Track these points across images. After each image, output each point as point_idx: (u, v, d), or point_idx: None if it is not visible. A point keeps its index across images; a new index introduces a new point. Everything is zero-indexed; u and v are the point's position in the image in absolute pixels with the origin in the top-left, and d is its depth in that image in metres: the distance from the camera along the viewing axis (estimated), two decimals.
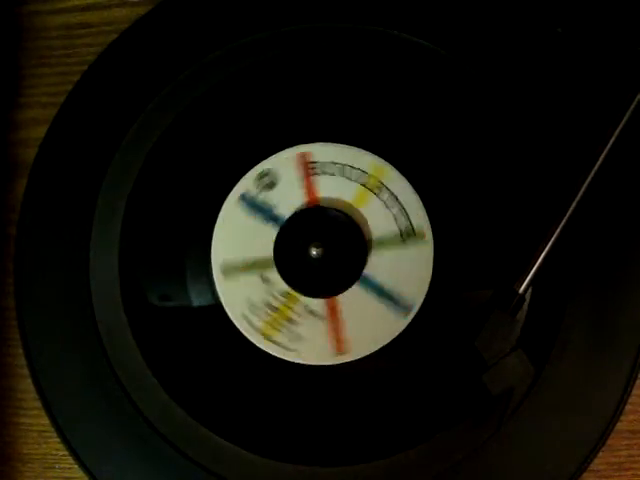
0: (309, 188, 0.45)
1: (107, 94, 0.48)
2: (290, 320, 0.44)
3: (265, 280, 0.45)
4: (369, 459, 0.43)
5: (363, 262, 0.44)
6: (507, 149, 0.46)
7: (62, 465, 0.48)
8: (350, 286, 0.44)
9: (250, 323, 0.45)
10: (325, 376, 0.45)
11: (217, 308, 0.45)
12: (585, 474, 0.44)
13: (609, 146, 0.43)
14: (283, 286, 0.44)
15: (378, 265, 0.44)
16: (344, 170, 0.45)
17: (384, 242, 0.45)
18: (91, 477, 0.45)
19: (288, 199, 0.45)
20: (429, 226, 0.45)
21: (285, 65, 0.47)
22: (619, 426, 0.44)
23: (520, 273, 0.43)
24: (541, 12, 0.47)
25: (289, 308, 0.45)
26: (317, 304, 0.44)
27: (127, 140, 0.47)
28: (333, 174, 0.45)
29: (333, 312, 0.44)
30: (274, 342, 0.44)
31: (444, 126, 0.47)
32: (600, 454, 0.44)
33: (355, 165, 0.45)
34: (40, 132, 0.48)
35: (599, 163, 0.43)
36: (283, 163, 0.45)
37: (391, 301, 0.44)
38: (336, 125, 0.47)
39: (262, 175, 0.45)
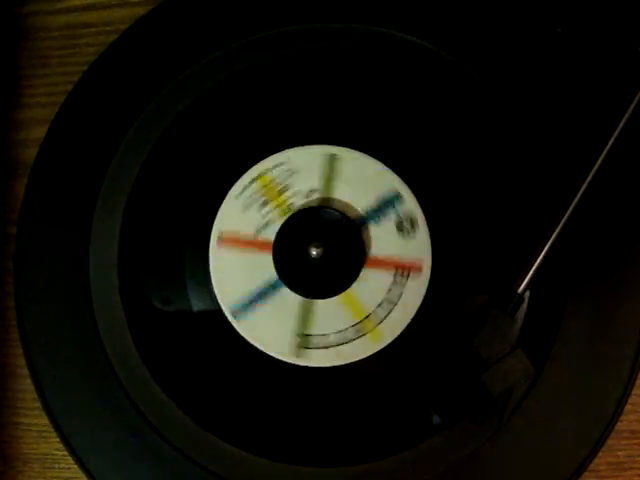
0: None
1: (107, 94, 0.48)
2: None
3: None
4: (368, 459, 0.43)
5: (362, 258, 0.44)
6: (506, 150, 0.46)
7: (62, 465, 0.48)
8: (350, 285, 0.44)
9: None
10: (324, 377, 0.45)
11: (216, 311, 0.45)
12: (585, 474, 0.44)
13: (608, 146, 0.43)
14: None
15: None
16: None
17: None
18: (91, 477, 0.45)
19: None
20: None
21: (285, 65, 0.47)
22: (619, 426, 0.44)
23: (519, 273, 0.43)
24: (541, 12, 0.47)
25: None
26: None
27: (127, 140, 0.47)
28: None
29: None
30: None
31: (443, 127, 0.47)
32: (600, 454, 0.44)
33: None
34: (40, 132, 0.48)
35: (598, 163, 0.43)
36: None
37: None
38: (336, 126, 0.47)
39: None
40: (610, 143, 0.43)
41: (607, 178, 0.44)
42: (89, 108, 0.48)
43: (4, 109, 0.50)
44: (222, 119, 0.47)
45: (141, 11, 0.49)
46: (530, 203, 0.45)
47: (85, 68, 0.48)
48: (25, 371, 0.46)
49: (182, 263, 0.46)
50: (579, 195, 0.43)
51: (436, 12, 0.47)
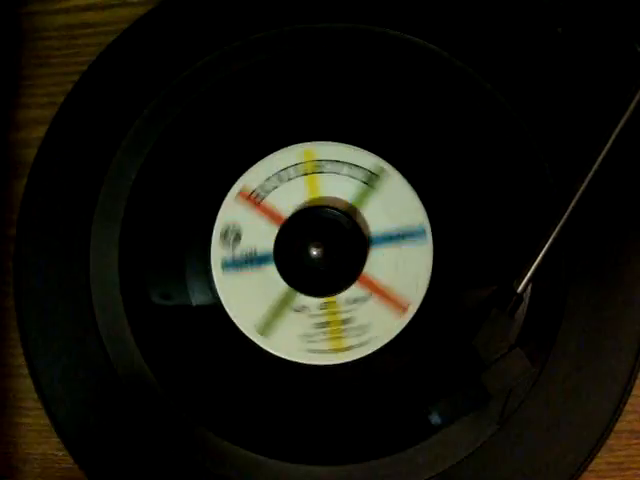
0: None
1: (107, 94, 0.48)
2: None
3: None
4: (369, 458, 0.44)
5: (363, 260, 0.44)
6: (506, 148, 0.46)
7: (62, 465, 0.48)
8: (349, 285, 0.44)
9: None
10: (324, 375, 0.45)
11: (216, 307, 0.45)
12: (585, 474, 0.44)
13: (608, 146, 0.43)
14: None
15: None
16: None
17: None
18: (90, 476, 0.45)
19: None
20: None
21: (284, 65, 0.47)
22: (619, 426, 0.44)
23: (518, 273, 0.43)
24: (541, 12, 0.47)
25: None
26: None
27: (127, 140, 0.47)
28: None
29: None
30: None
31: (443, 126, 0.47)
32: (600, 454, 0.44)
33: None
34: (40, 132, 0.48)
35: (598, 163, 0.43)
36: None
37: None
38: (336, 125, 0.47)
39: (225, 234, 0.45)
40: (609, 143, 0.43)
41: (607, 177, 0.44)
42: (88, 108, 0.48)
43: (4, 109, 0.50)
44: (222, 119, 0.47)
45: (141, 11, 0.49)
46: (530, 202, 0.45)
47: (85, 68, 0.48)
48: (25, 371, 0.46)
49: (182, 258, 0.46)
50: (579, 194, 0.43)
51: (438, 13, 0.47)
